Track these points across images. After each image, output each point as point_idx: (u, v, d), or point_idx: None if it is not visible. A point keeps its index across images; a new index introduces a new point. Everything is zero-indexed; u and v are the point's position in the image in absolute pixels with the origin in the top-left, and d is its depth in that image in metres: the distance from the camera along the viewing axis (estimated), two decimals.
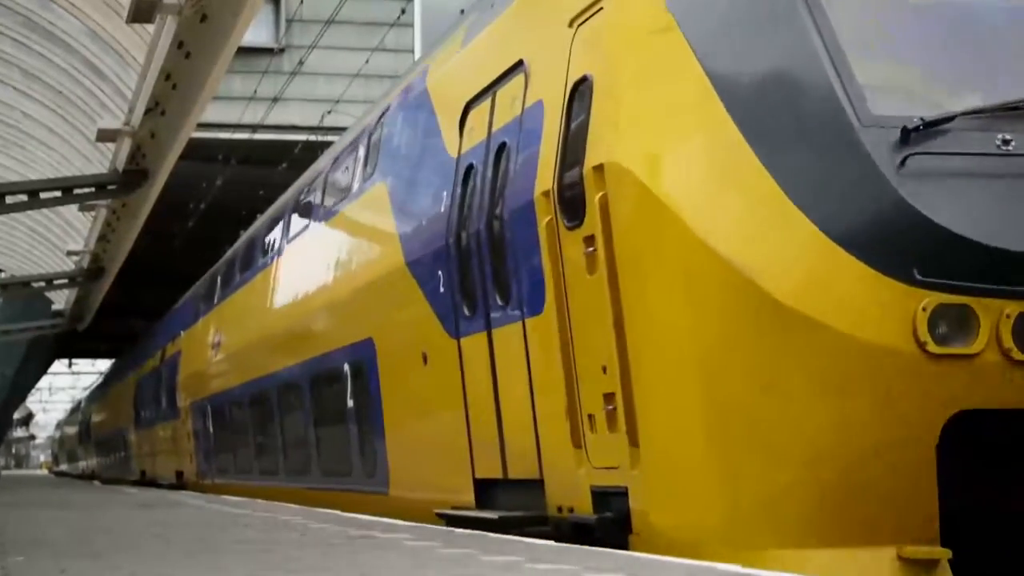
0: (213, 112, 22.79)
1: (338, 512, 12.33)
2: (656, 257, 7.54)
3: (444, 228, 10.41)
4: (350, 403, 13.60)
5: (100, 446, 53.51)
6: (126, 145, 18.06)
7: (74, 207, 22.76)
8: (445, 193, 10.50)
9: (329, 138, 24.25)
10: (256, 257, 20.22)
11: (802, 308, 6.94)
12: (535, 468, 8.83)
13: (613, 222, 7.73)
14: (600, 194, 7.80)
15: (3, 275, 31.80)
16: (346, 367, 13.63)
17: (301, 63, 26.02)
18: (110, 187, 20.04)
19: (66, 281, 30.53)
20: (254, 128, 27.83)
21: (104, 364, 68.95)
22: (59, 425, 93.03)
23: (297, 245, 17.10)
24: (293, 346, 16.40)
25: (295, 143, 27.48)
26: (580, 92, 8.37)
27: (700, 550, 6.88)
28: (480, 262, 9.72)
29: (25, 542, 8.67)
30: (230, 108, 27.60)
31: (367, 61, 25.84)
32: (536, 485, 8.83)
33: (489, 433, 9.59)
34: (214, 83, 15.27)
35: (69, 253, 27.83)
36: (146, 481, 34.49)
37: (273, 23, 30.63)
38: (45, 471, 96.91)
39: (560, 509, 8.50)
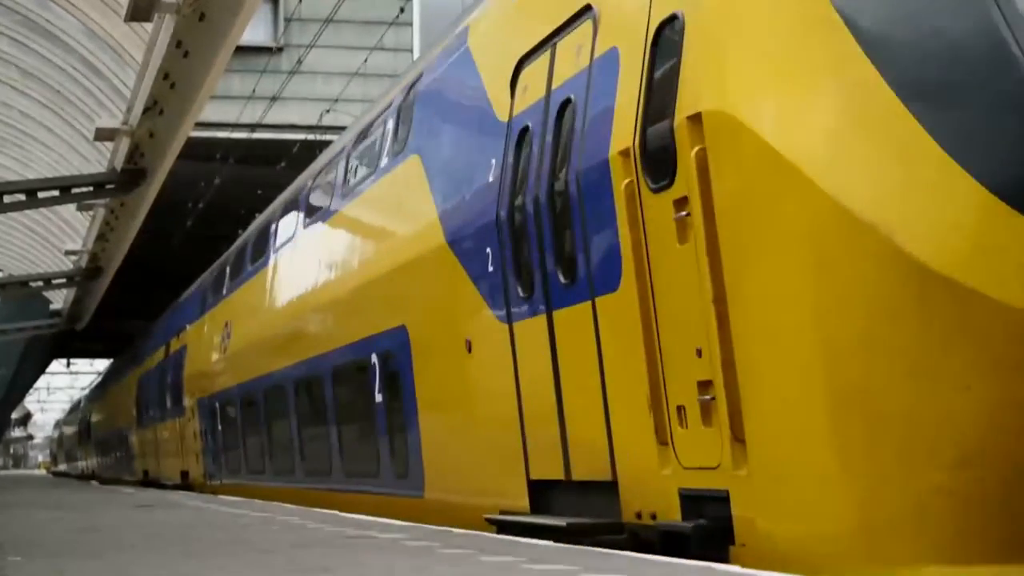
0: (211, 111, 22.80)
1: (336, 512, 12.30)
2: (773, 221, 6.44)
3: (493, 200, 9.35)
4: (378, 397, 12.51)
5: (101, 446, 52.18)
6: (124, 144, 18.05)
7: (72, 206, 22.75)
8: (494, 161, 9.42)
9: (328, 137, 24.26)
10: (270, 244, 18.98)
11: (965, 279, 5.90)
12: (606, 468, 7.78)
13: (713, 181, 6.66)
14: (696, 148, 6.74)
15: (1, 275, 31.79)
16: (374, 358, 12.53)
17: (300, 62, 26.01)
18: (108, 186, 20.04)
19: (64, 281, 30.54)
20: (252, 127, 27.82)
21: (102, 364, 68.87)
22: (58, 425, 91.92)
23: (315, 230, 15.95)
24: (312, 337, 15.41)
25: (294, 142, 27.48)
26: (666, 34, 7.26)
27: (825, 564, 6.09)
28: (539, 236, 8.62)
29: (22, 542, 8.64)
30: (228, 107, 27.59)
31: (366, 60, 25.81)
32: (607, 488, 7.77)
33: (548, 429, 8.53)
34: (212, 82, 15.26)
35: (67, 253, 27.82)
36: (149, 482, 33.34)
37: (272, 22, 30.65)
38: (43, 471, 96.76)
39: (639, 515, 7.45)
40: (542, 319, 8.59)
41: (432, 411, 11.17)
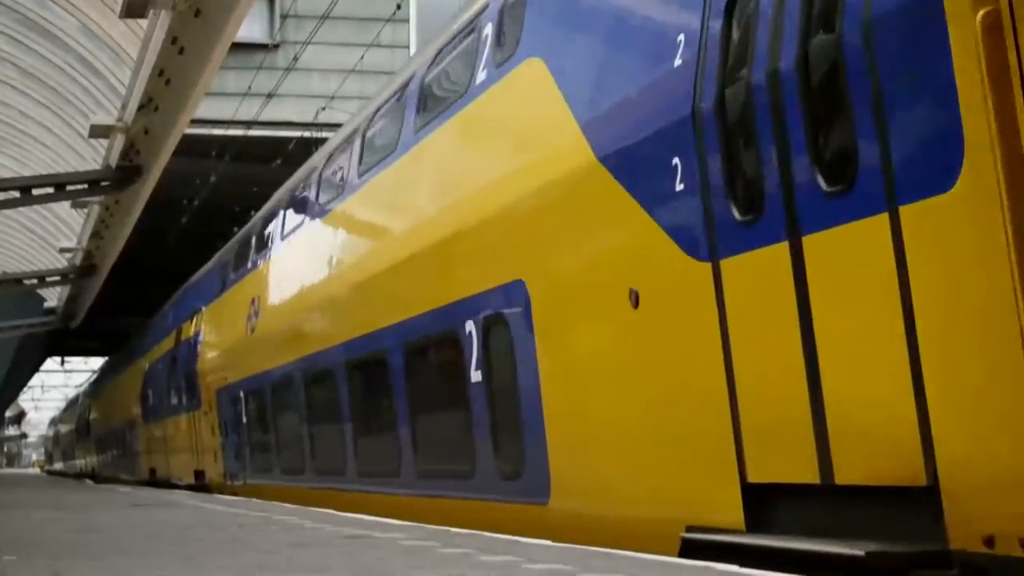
0: (207, 108, 22.76)
1: (335, 512, 12.25)
2: None
3: (686, 90, 7.01)
4: (475, 376, 9.93)
5: (102, 443, 48.83)
6: (119, 141, 18.03)
7: (67, 204, 22.72)
8: (681, 39, 7.14)
9: (324, 134, 24.21)
10: (313, 199, 16.08)
11: None
12: (914, 468, 5.42)
13: None
14: None
15: None
16: (469, 327, 9.97)
17: (296, 59, 25.99)
18: (103, 183, 20.02)
19: (59, 278, 30.52)
20: (248, 124, 27.77)
21: (97, 362, 68.78)
22: (54, 422, 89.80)
23: (380, 174, 12.92)
24: (374, 307, 12.66)
25: (289, 139, 27.45)
26: None
27: None
28: (777, 123, 6.22)
29: (18, 542, 8.61)
30: (224, 104, 27.54)
31: (362, 57, 25.79)
32: (914, 497, 5.46)
33: (785, 411, 6.19)
34: (208, 79, 15.23)
35: (62, 250, 27.79)
36: (156, 482, 30.75)
37: (267, 18, 30.60)
38: (38, 470, 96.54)
39: (989, 541, 5.06)
40: (780, 250, 6.20)
41: (565, 390, 8.60)
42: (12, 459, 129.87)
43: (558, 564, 5.96)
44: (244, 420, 19.83)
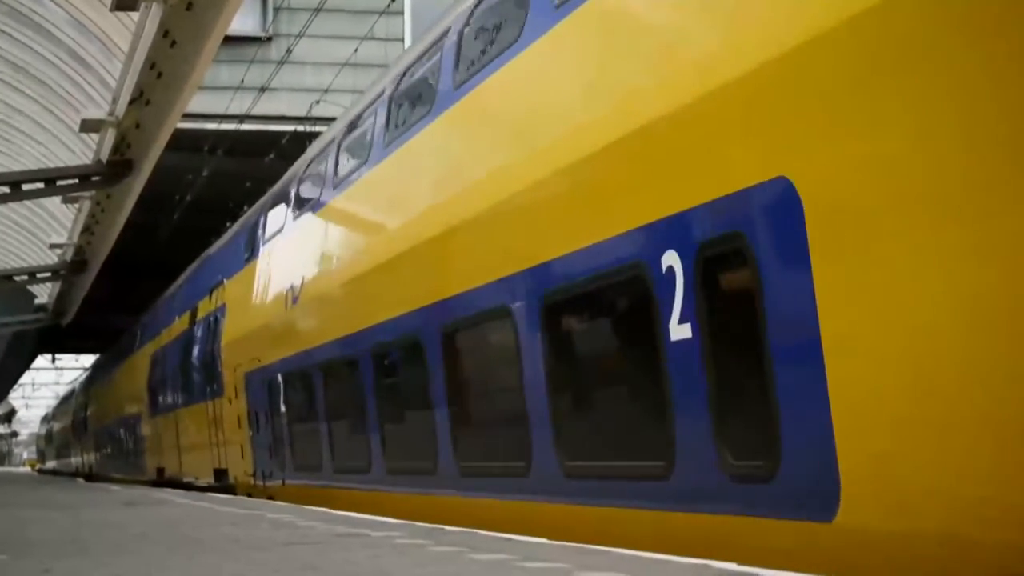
0: (199, 102, 22.69)
1: (327, 510, 12.19)
2: None
3: None
4: (676, 333, 6.97)
5: (101, 439, 44.70)
6: (110, 136, 17.94)
7: (57, 199, 22.65)
8: None
9: (317, 128, 24.16)
10: (384, 128, 12.57)
11: None
12: None
13: None
14: None
15: None
16: (669, 262, 7.01)
17: (289, 52, 25.93)
18: (94, 178, 19.94)
19: (49, 275, 30.43)
20: (241, 118, 27.70)
21: (88, 359, 68.69)
22: (46, 419, 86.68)
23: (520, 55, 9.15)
24: (497, 246, 9.34)
25: (283, 133, 27.39)
26: None
27: None
28: None
29: (8, 541, 8.57)
30: (216, 98, 27.46)
31: (356, 50, 25.72)
32: None
33: None
34: (200, 72, 15.16)
35: (52, 246, 27.70)
36: (166, 481, 27.30)
37: (260, 11, 30.50)
38: (29, 469, 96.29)
39: None
40: None
41: (872, 346, 5.60)
42: (2, 458, 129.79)
43: (553, 562, 5.91)
44: (284, 408, 16.24)
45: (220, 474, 20.87)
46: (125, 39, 15.28)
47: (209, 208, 30.71)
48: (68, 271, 29.30)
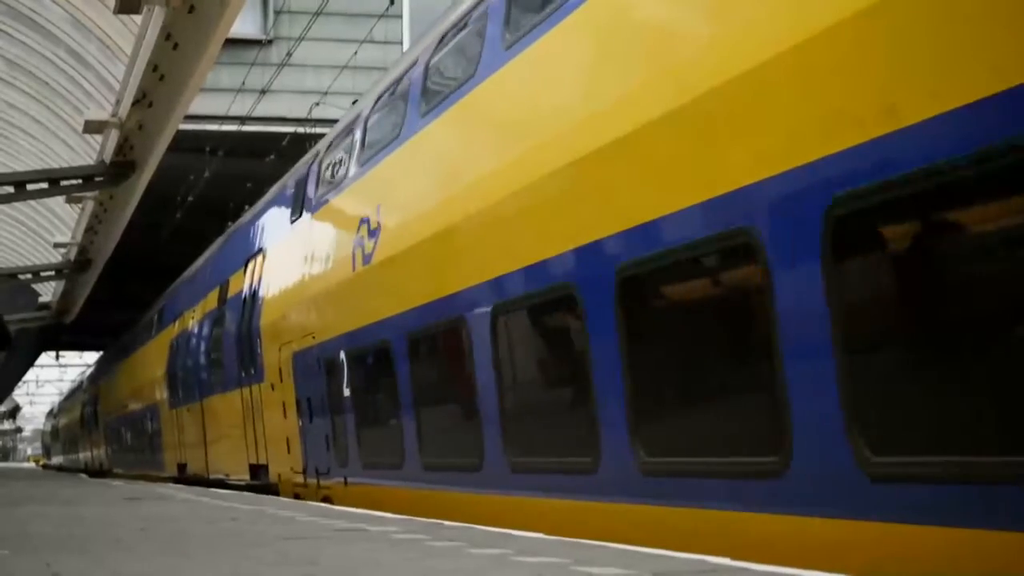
0: (201, 104, 22.74)
1: (327, 505, 12.24)
2: None
3: None
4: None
5: (112, 433, 41.26)
6: (113, 137, 18.03)
7: (61, 199, 22.73)
8: None
9: (318, 130, 24.22)
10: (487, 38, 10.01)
11: None
12: None
13: None
14: None
15: None
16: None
17: (289, 55, 25.99)
18: (97, 179, 20.03)
19: (53, 273, 30.51)
20: (242, 120, 27.75)
21: (92, 357, 68.62)
22: (51, 414, 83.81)
23: None
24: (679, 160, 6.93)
25: (283, 135, 27.42)
26: None
27: None
28: None
29: (10, 536, 8.61)
30: (218, 100, 27.52)
31: (356, 53, 25.79)
32: None
33: None
34: (202, 74, 15.24)
35: (56, 245, 27.79)
36: (189, 479, 24.61)
37: (261, 14, 30.55)
38: (33, 464, 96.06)
39: None
40: None
41: None
42: (7, 454, 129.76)
43: (550, 557, 5.95)
44: (348, 392, 13.41)
45: (257, 471, 17.93)
46: (125, 38, 15.37)
47: (210, 208, 30.74)
48: (72, 270, 29.39)
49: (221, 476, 21.13)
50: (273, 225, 17.46)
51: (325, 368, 14.14)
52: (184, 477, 25.25)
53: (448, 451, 10.80)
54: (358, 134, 13.64)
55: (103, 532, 8.83)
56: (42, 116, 21.14)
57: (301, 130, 26.67)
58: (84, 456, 52.20)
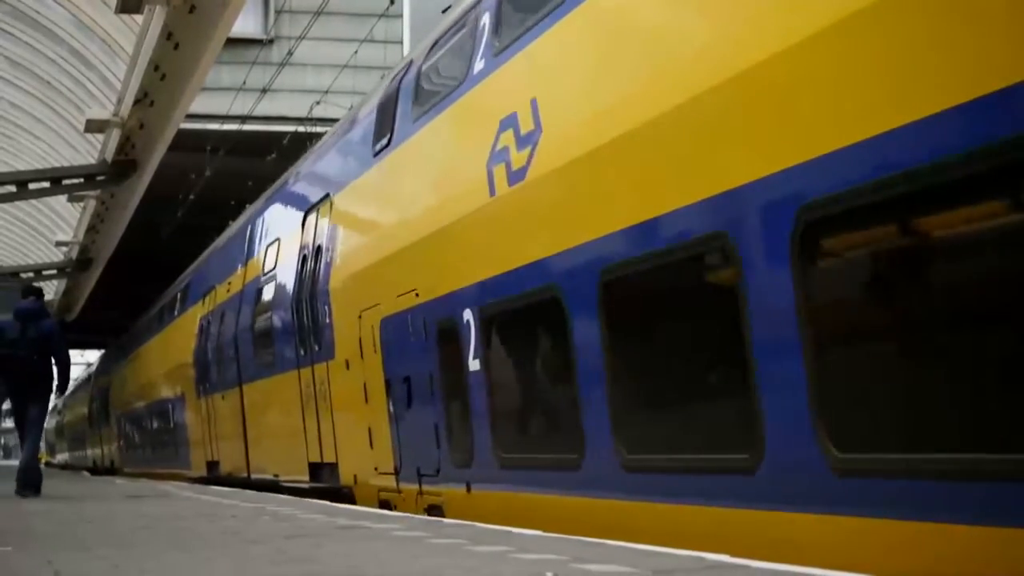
0: (202, 103, 22.81)
1: (328, 503, 12.25)
2: None
3: None
4: None
5: (126, 428, 37.37)
6: (115, 136, 18.09)
7: (63, 198, 22.78)
8: None
9: (318, 129, 24.27)
10: None
11: None
12: None
13: None
14: None
15: None
16: None
17: (290, 54, 26.05)
18: (99, 178, 20.09)
19: (55, 272, 30.56)
20: (243, 119, 27.80)
21: (93, 355, 68.58)
22: (55, 410, 79.44)
23: None
24: None
25: (284, 134, 27.48)
26: None
27: None
28: None
29: (12, 532, 8.63)
30: (219, 99, 27.58)
31: (356, 52, 25.84)
32: None
33: None
34: (203, 74, 15.29)
35: (58, 244, 27.87)
36: (223, 479, 20.78)
37: (262, 14, 30.62)
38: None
39: None
40: None
41: None
42: (8, 451, 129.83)
43: (549, 554, 5.98)
44: (478, 365, 9.80)
45: (320, 470, 14.53)
46: (126, 38, 15.42)
47: (212, 207, 30.81)
48: (73, 268, 29.45)
49: (268, 476, 17.24)
50: (342, 166, 14.20)
51: (438, 334, 10.52)
52: (215, 477, 21.41)
53: (676, 444, 7.19)
54: (488, 18, 10.07)
55: (106, 529, 8.86)
56: (45, 116, 21.19)
57: (302, 129, 26.73)
58: (92, 453, 48.87)
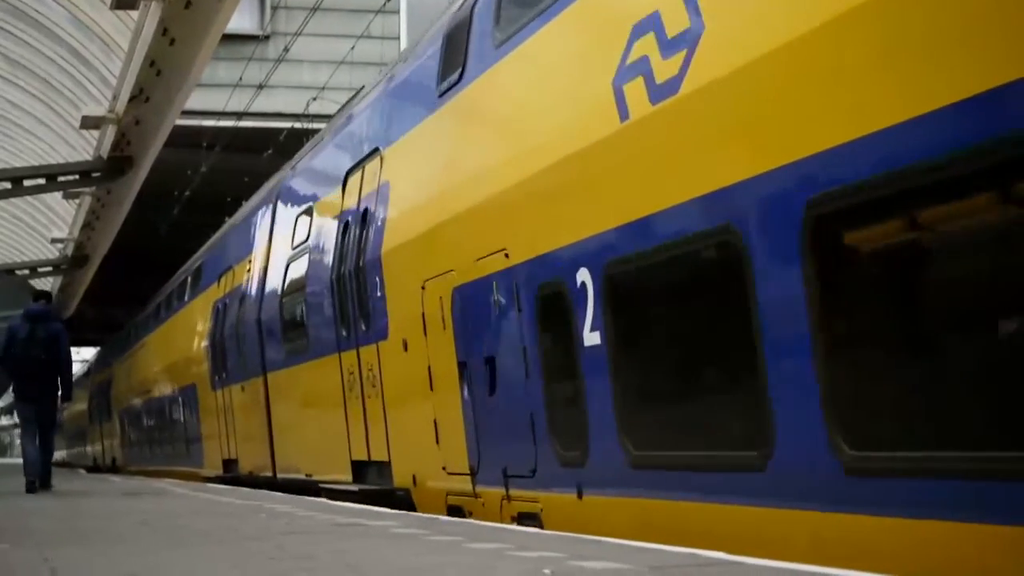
0: (198, 99, 22.80)
1: (326, 500, 12.25)
2: None
3: None
4: None
5: (129, 424, 35.08)
6: (110, 132, 18.08)
7: (58, 194, 22.76)
8: None
9: (315, 125, 24.27)
10: None
11: None
12: None
13: None
14: None
15: None
16: None
17: (286, 50, 26.04)
18: (94, 174, 20.08)
19: (50, 269, 30.55)
20: (239, 115, 27.80)
21: (88, 352, 68.47)
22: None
23: None
24: None
25: (280, 130, 27.48)
26: None
27: None
28: None
29: (9, 530, 8.65)
30: (215, 95, 27.57)
31: (352, 48, 25.84)
32: None
33: None
34: (199, 70, 15.29)
35: (53, 240, 27.86)
36: (242, 479, 18.64)
37: (258, 10, 30.62)
38: None
39: None
40: None
41: None
42: (4, 449, 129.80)
43: (546, 552, 5.99)
44: (598, 338, 7.73)
45: (366, 470, 12.60)
46: (124, 36, 15.41)
47: (207, 203, 30.81)
48: (69, 265, 29.45)
49: (298, 476, 15.31)
50: (393, 115, 12.15)
51: (538, 302, 8.47)
52: (233, 476, 19.39)
53: (944, 435, 5.14)
54: None
55: (102, 526, 8.87)
56: (43, 114, 21.19)
57: (298, 125, 26.72)
58: (92, 450, 46.96)
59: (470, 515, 9.65)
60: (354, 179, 12.69)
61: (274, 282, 16.04)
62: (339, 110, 16.67)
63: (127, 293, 41.67)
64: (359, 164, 12.62)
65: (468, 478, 9.77)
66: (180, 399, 24.84)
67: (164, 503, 12.53)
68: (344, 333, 12.66)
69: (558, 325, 8.16)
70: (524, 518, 8.79)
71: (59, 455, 63.47)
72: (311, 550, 6.49)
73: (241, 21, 27.67)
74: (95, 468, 43.23)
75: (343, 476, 13.13)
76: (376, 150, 12.10)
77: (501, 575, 5.13)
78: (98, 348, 56.37)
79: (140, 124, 17.58)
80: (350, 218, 12.57)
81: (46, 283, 35.25)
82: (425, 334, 10.42)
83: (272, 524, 8.66)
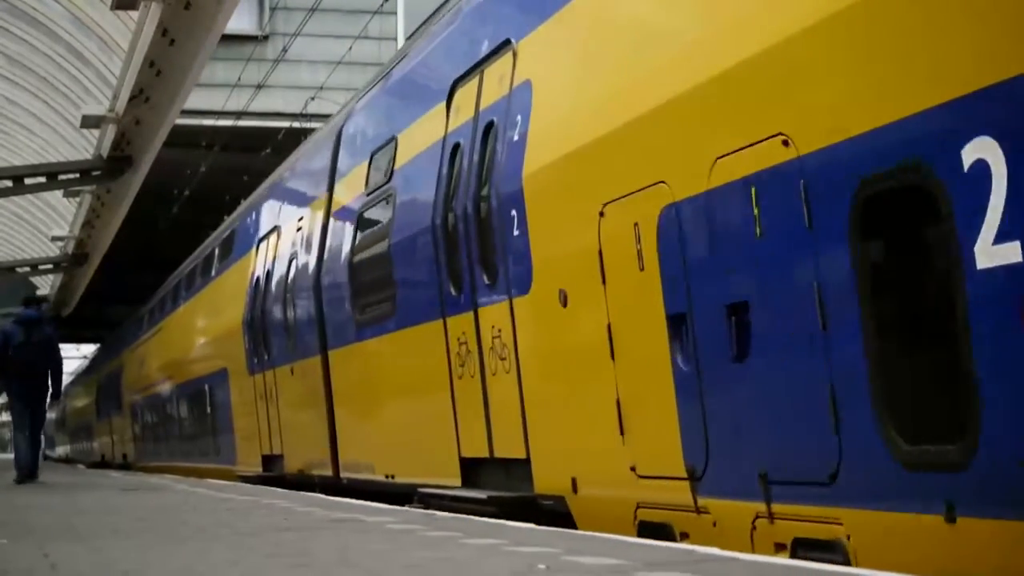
0: (197, 99, 22.83)
1: (323, 496, 12.26)
2: None
3: None
4: None
5: (144, 417, 31.63)
6: (110, 132, 18.12)
7: (59, 193, 22.81)
8: None
9: (313, 124, 24.31)
10: None
11: None
12: None
13: None
14: None
15: None
16: None
17: (285, 50, 26.07)
18: (95, 173, 20.12)
19: (51, 267, 30.59)
20: (238, 115, 27.82)
21: (88, 349, 68.47)
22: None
23: None
24: None
25: (279, 130, 27.51)
26: None
27: None
28: None
29: (7, 525, 8.67)
30: (214, 95, 27.60)
31: (350, 48, 25.88)
32: None
33: None
34: (198, 70, 15.33)
35: (54, 239, 27.90)
36: (289, 479, 15.72)
37: (257, 10, 30.65)
38: None
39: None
40: None
41: None
42: (3, 445, 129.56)
43: (541, 547, 6.01)
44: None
45: (480, 468, 9.63)
46: (123, 35, 15.46)
47: (207, 202, 30.83)
48: (69, 263, 29.49)
49: (375, 477, 12.24)
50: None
51: (858, 207, 5.13)
52: (278, 475, 16.33)
53: None
54: None
55: (100, 522, 8.89)
56: (42, 112, 21.23)
57: (297, 125, 26.76)
58: (100, 446, 43.18)
59: (685, 537, 6.78)
60: (466, 89, 9.87)
61: (338, 239, 13.09)
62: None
63: (127, 291, 41.67)
64: (475, 68, 9.73)
65: (684, 484, 6.73)
66: (207, 386, 21.44)
67: (162, 498, 12.54)
68: (453, 291, 9.74)
69: (905, 240, 5.16)
70: (810, 548, 5.63)
71: (62, 451, 63.06)
72: (308, 545, 6.53)
73: (240, 21, 27.72)
74: (102, 465, 40.00)
75: (445, 478, 10.14)
76: (505, 44, 9.15)
77: (496, 570, 5.14)
78: (98, 345, 56.34)
79: (140, 124, 17.63)
80: (462, 140, 9.76)
81: (47, 281, 35.29)
82: (604, 280, 7.41)
83: (270, 519, 8.68)
